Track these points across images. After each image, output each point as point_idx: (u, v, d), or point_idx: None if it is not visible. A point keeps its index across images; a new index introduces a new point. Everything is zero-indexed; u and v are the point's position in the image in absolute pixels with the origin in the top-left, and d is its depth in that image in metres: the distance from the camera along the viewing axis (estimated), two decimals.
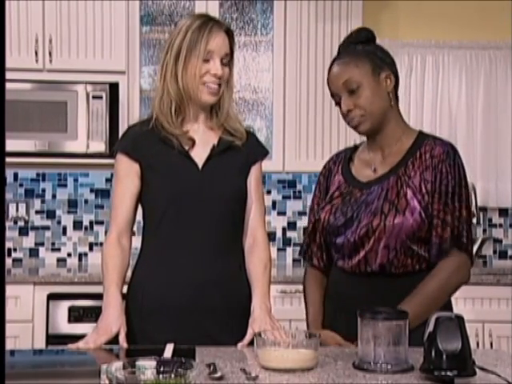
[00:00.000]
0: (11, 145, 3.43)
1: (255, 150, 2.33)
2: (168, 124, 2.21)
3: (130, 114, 3.75)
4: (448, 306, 2.12)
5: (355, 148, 2.30)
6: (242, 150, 2.27)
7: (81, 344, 2.03)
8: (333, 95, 2.17)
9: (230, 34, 2.24)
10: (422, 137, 2.17)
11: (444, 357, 1.65)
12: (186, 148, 2.22)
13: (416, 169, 2.10)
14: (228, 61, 2.22)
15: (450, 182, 2.08)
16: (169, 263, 2.18)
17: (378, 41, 2.21)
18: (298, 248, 4.07)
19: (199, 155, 2.23)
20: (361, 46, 2.15)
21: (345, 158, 2.27)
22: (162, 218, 2.19)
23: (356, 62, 2.11)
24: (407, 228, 2.05)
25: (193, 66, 2.17)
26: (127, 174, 2.23)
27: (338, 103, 2.15)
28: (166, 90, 2.21)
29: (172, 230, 2.19)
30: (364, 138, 2.27)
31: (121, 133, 2.42)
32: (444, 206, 2.07)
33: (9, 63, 3.32)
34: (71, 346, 2.03)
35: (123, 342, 2.04)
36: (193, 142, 2.23)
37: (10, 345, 3.05)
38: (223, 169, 2.23)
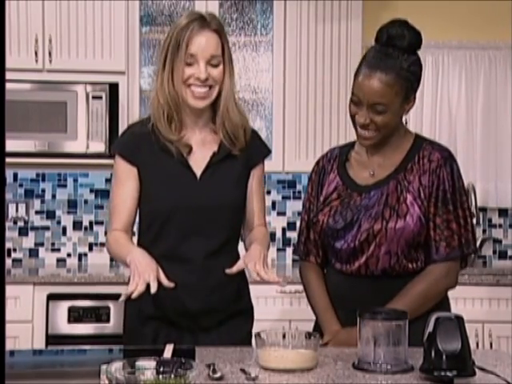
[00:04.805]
0: (11, 145, 3.43)
1: (257, 151, 2.29)
2: (164, 131, 2.17)
3: (130, 114, 3.74)
4: (446, 307, 2.12)
5: (350, 146, 2.26)
6: (242, 156, 2.23)
7: (131, 288, 1.91)
8: (354, 95, 2.08)
9: (220, 32, 2.15)
10: (419, 140, 2.16)
11: (444, 357, 1.65)
12: (185, 154, 2.19)
13: (415, 173, 2.09)
14: (219, 61, 2.14)
15: (448, 189, 2.07)
16: (167, 269, 2.16)
17: None
18: None
19: (198, 163, 2.19)
20: (405, 61, 2.04)
21: (340, 156, 2.24)
22: (159, 227, 2.18)
23: (396, 88, 2.02)
24: (408, 233, 2.05)
25: (177, 70, 2.12)
26: (127, 177, 2.21)
27: (355, 103, 2.08)
28: (157, 97, 2.17)
29: (170, 238, 2.17)
30: None
31: (120, 133, 2.39)
32: (439, 210, 2.07)
33: (8, 63, 3.32)
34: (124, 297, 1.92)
35: (165, 279, 1.97)
36: (190, 148, 2.19)
37: (9, 345, 3.05)
38: (221, 178, 2.20)
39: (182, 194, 2.17)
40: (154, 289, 1.91)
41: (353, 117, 2.11)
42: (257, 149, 2.29)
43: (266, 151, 2.33)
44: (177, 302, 2.15)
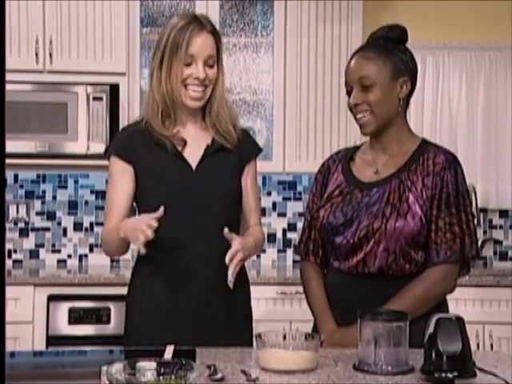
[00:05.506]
0: (11, 146, 3.43)
1: (249, 148, 2.33)
2: (158, 127, 2.21)
3: (131, 115, 3.74)
4: (445, 311, 2.12)
5: (356, 148, 2.29)
6: (235, 151, 2.27)
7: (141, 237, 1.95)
8: (346, 84, 2.15)
9: (214, 33, 2.21)
10: (425, 143, 2.17)
11: (444, 358, 1.65)
12: (179, 148, 2.22)
13: (418, 174, 2.10)
14: (214, 61, 2.20)
15: (451, 192, 2.07)
16: (167, 265, 2.18)
17: None
18: None
19: (192, 156, 2.23)
20: (391, 45, 2.13)
21: (345, 156, 2.26)
22: (158, 221, 2.18)
23: (378, 61, 2.09)
24: (408, 232, 2.05)
25: (175, 70, 2.17)
26: (121, 176, 2.24)
27: (349, 93, 2.15)
28: (153, 94, 2.21)
29: (169, 232, 2.17)
30: (364, 139, 2.27)
31: (115, 137, 2.42)
32: (442, 213, 2.06)
33: (9, 64, 3.32)
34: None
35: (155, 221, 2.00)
36: (184, 142, 2.23)
37: (10, 346, 3.05)
38: (217, 169, 2.23)
39: (179, 185, 2.19)
40: (154, 223, 1.96)
41: (351, 109, 2.15)
42: (249, 146, 2.34)
43: (257, 149, 2.37)
44: (177, 298, 2.17)
